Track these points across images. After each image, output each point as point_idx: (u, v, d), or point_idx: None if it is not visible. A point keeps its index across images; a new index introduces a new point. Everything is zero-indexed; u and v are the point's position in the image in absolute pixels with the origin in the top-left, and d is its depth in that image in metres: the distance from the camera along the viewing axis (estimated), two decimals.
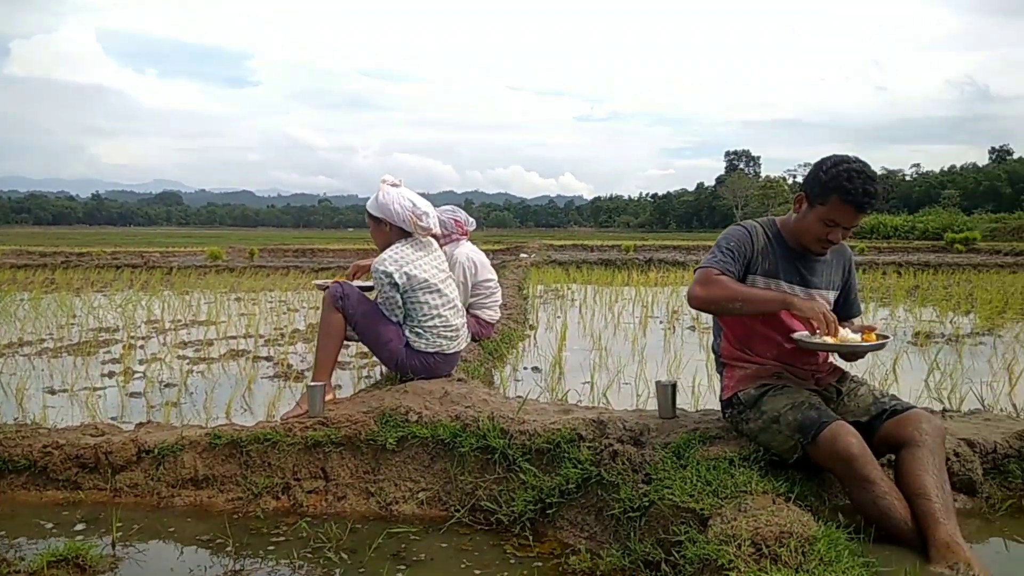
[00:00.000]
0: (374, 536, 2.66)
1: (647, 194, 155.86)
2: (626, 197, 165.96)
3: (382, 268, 3.55)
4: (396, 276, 3.54)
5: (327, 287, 3.70)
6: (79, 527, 2.76)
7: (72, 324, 7.53)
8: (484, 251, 5.30)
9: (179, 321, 7.79)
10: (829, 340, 2.48)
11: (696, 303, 2.57)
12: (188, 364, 5.47)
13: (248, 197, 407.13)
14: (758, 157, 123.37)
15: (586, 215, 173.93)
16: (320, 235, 69.31)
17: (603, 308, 8.63)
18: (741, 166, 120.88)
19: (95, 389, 4.68)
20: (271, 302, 9.70)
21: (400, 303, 3.61)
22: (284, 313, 8.47)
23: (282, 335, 6.75)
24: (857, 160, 2.49)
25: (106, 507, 2.92)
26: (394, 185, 3.72)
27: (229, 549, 2.59)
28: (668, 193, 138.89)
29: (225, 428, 3.25)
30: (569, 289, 11.10)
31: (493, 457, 2.91)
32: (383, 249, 3.70)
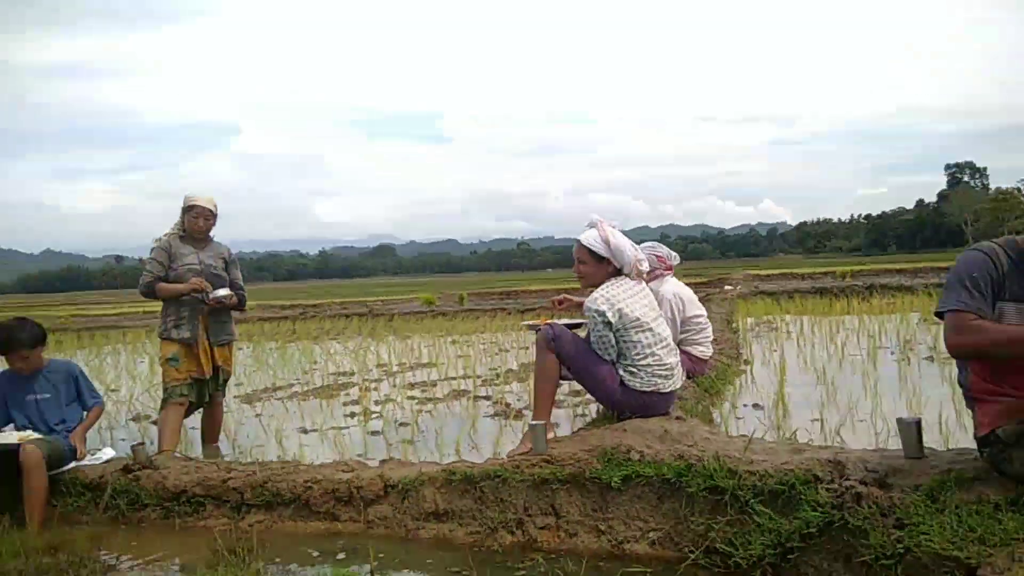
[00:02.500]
0: (611, 574, 2.69)
1: (859, 215, 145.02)
2: (835, 220, 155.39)
3: (595, 307, 3.56)
4: (609, 315, 3.53)
5: (539, 328, 3.79)
6: (340, 556, 3.04)
7: (314, 369, 8.34)
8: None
9: (404, 364, 8.38)
10: None
11: (955, 352, 2.43)
12: (417, 404, 5.87)
13: (453, 245, 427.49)
14: (984, 168, 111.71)
15: (791, 242, 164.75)
16: (522, 277, 71.25)
17: (824, 339, 8.13)
18: (965, 179, 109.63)
19: (340, 428, 5.15)
20: (484, 344, 10.13)
21: (613, 342, 3.60)
22: (497, 354, 8.82)
23: (497, 375, 7.03)
24: None
25: (360, 538, 3.19)
26: (612, 226, 3.73)
27: None
28: (883, 213, 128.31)
29: (458, 465, 3.42)
30: (783, 321, 10.57)
31: (723, 498, 2.82)
32: (587, 287, 3.74)
